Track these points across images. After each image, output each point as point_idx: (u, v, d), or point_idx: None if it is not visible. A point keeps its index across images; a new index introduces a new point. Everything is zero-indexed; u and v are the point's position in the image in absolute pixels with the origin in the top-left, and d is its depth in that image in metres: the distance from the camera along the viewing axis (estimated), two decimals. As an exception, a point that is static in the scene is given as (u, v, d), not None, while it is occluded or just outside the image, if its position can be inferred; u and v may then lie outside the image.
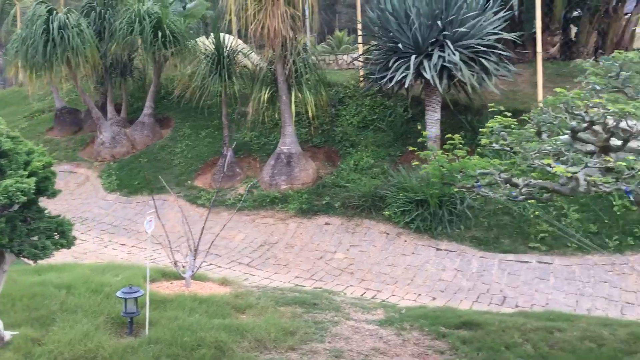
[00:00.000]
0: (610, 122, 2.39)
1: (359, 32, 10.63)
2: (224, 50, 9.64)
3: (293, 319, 4.27)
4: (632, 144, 2.56)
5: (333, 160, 10.12)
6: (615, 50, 2.85)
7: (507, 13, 8.98)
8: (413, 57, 8.34)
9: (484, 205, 8.20)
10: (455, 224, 8.08)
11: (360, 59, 10.38)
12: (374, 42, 9.67)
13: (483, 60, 8.43)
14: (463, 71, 8.23)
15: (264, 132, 10.78)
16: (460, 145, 2.81)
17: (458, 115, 9.41)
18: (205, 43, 10.64)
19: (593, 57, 11.13)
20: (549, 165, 2.32)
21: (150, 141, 11.20)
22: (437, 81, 8.23)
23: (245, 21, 9.18)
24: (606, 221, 7.43)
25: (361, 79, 10.31)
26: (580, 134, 2.55)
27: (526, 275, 7.21)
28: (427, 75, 8.20)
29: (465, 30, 8.28)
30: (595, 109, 2.41)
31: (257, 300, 4.56)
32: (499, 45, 8.74)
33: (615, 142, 2.51)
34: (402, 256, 7.92)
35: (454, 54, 8.17)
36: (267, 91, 9.54)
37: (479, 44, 8.44)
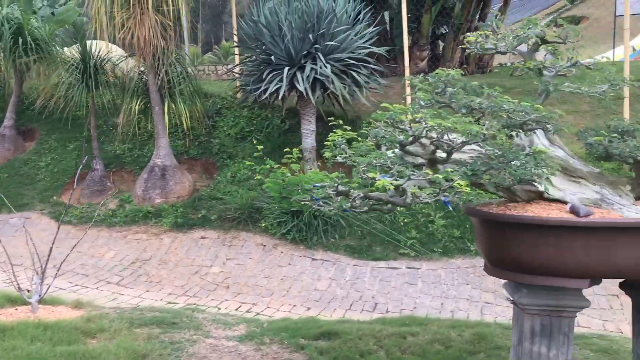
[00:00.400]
0: (434, 135, 2.50)
1: (235, 44, 10.56)
2: (91, 58, 9.19)
3: (148, 340, 4.09)
4: (456, 155, 2.70)
5: (210, 172, 9.95)
6: (439, 68, 3.01)
7: (376, 28, 9.30)
8: (286, 69, 8.39)
9: (357, 215, 8.38)
10: (330, 233, 8.21)
11: (237, 70, 10.32)
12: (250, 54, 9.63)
13: (354, 73, 8.64)
14: (335, 83, 8.40)
15: (137, 144, 10.39)
16: (294, 160, 2.83)
17: (333, 126, 9.59)
18: (73, 52, 10.10)
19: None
20: (373, 178, 2.38)
21: (11, 155, 10.42)
22: (310, 93, 8.33)
23: (113, 29, 8.82)
24: (467, 226, 7.86)
25: (237, 90, 10.24)
26: (410, 148, 2.65)
27: (396, 281, 7.46)
28: (300, 87, 8.29)
29: (336, 44, 8.46)
30: (417, 124, 2.52)
31: (110, 323, 4.32)
32: (370, 59, 9.01)
33: (441, 154, 2.63)
34: (278, 267, 7.91)
35: (326, 67, 8.31)
36: (139, 102, 9.21)
37: (350, 57, 8.64)
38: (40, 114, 10.54)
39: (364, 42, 8.95)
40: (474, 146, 2.70)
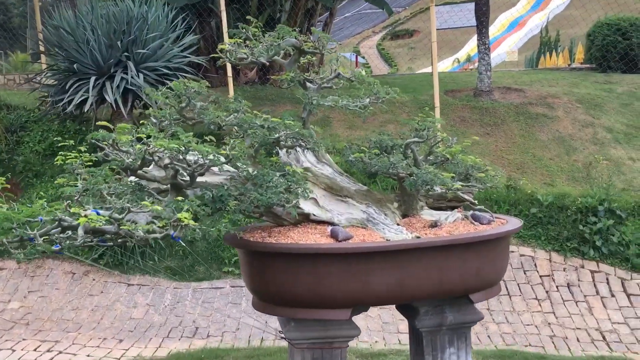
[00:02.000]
0: (167, 158, 2.17)
1: (31, 50, 9.56)
2: None
3: None
4: (209, 178, 2.39)
5: (14, 193, 8.86)
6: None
7: (196, 37, 8.90)
8: (92, 78, 7.70)
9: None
10: (149, 255, 7.62)
11: (46, 80, 9.33)
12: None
13: (169, 83, 8.14)
14: (149, 94, 7.83)
15: None
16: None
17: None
18: None
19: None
20: (78, 214, 2.00)
21: None
22: (120, 104, 7.71)
23: None
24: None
25: (42, 101, 9.26)
26: (144, 173, 2.30)
27: (219, 301, 7.08)
28: (109, 98, 7.64)
29: (149, 52, 7.92)
30: (141, 145, 2.19)
31: None
32: (189, 69, 8.57)
33: (186, 178, 2.30)
34: (89, 297, 7.16)
35: (138, 76, 7.74)
36: None
37: (166, 67, 8.14)
38: None
39: (181, 51, 8.50)
40: (229, 167, 2.42)
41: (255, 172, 2.29)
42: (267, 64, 2.82)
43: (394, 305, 2.93)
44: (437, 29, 13.79)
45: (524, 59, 24.03)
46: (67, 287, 7.30)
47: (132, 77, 7.71)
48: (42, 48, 9.67)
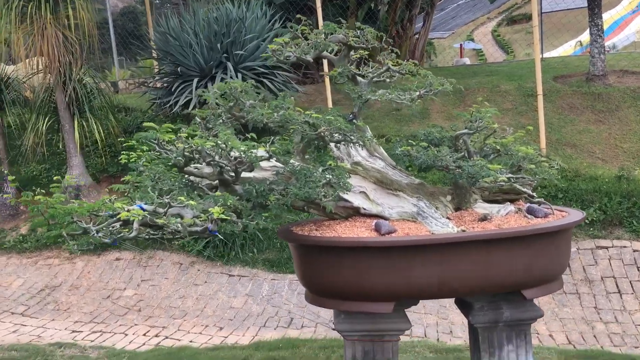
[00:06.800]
0: (208, 156, 2.26)
1: (142, 55, 10.27)
2: (-7, 78, 8.81)
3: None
4: (257, 174, 2.47)
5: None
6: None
7: (290, 34, 9.08)
8: (195, 80, 8.14)
9: (278, 226, 8.14)
10: (248, 247, 7.95)
11: (156, 83, 10.00)
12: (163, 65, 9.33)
13: (267, 82, 8.42)
14: (248, 93, 8.15)
15: (55, 165, 9.99)
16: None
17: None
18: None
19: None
20: (122, 207, 2.15)
21: None
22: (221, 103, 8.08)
23: (17, 47, 8.46)
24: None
25: (152, 103, 9.93)
26: (191, 169, 2.42)
27: (314, 293, 7.23)
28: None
29: (245, 53, 8.23)
30: (180, 144, 2.31)
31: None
32: (284, 66, 8.79)
33: (231, 174, 2.39)
34: (194, 286, 7.62)
35: (236, 76, 8.07)
36: (47, 120, 8.84)
37: (262, 66, 8.42)
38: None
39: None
40: (274, 162, 2.49)
41: (299, 167, 2.34)
42: (312, 60, 2.86)
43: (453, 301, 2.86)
44: (547, 12, 13.05)
45: (656, 38, 22.05)
46: (175, 277, 7.81)
47: (231, 78, 8.06)
48: (154, 54, 10.37)
